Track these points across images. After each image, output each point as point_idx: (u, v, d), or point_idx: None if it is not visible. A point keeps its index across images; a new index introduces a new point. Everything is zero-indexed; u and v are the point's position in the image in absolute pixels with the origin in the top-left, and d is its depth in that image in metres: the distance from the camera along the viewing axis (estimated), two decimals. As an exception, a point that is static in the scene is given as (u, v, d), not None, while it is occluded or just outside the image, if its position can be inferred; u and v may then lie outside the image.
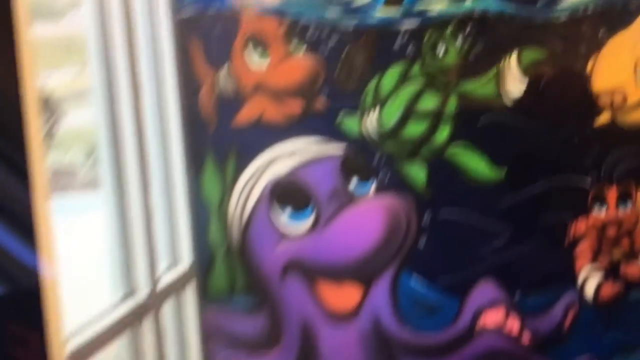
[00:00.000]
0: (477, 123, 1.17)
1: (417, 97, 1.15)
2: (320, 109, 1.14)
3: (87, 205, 1.52)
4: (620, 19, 1.18)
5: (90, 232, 1.33)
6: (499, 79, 1.16)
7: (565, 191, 1.18)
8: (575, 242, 1.19)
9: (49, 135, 1.68)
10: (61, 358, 0.74)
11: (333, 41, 1.14)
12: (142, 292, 1.05)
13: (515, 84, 1.17)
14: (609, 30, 1.17)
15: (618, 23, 1.18)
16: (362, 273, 1.14)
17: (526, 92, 1.17)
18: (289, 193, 1.14)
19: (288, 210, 1.13)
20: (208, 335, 1.17)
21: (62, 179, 1.84)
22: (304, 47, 1.14)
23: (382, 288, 1.15)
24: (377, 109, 1.14)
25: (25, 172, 0.69)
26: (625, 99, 1.18)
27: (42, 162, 0.71)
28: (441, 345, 1.16)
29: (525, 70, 1.16)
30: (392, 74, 1.15)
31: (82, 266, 1.30)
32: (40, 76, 0.79)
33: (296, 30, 1.14)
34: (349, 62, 1.14)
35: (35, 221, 0.70)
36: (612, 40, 1.18)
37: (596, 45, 1.17)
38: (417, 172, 1.16)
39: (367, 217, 1.14)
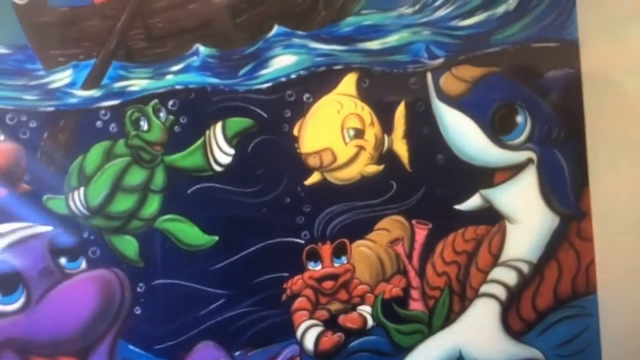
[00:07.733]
0: (186, 193, 1.21)
1: (123, 173, 1.19)
2: (23, 194, 1.17)
3: None
4: (322, 83, 1.22)
5: None
6: (205, 148, 1.20)
7: (279, 251, 1.23)
8: (292, 298, 1.24)
9: None
10: None
11: (33, 125, 1.17)
12: None
13: (221, 153, 1.21)
14: (313, 94, 1.22)
15: (321, 87, 1.23)
16: (76, 347, 1.18)
17: (234, 159, 1.21)
18: (-5, 278, 1.17)
19: (-3, 293, 1.17)
20: None
21: None
22: (2, 134, 1.16)
23: None
24: (82, 188, 1.18)
25: None
26: (335, 158, 1.23)
27: None
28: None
29: (231, 138, 1.21)
30: (95, 153, 1.18)
31: None
32: None
33: (-8, 117, 1.16)
34: (50, 145, 1.17)
35: None
36: (318, 103, 1.23)
37: (301, 109, 1.22)
38: (128, 244, 1.19)
39: (79, 292, 1.18)
